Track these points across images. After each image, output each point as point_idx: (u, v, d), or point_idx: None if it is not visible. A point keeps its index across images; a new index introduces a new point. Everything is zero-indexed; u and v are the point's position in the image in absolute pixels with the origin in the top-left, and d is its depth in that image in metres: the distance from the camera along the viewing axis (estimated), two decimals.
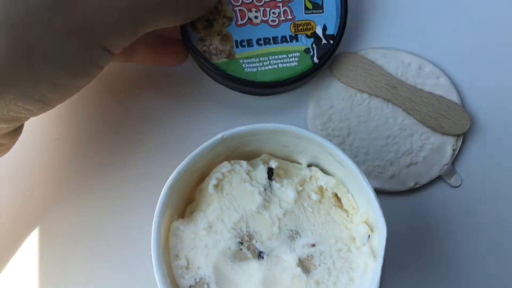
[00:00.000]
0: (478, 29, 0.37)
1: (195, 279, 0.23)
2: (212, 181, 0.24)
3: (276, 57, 0.33)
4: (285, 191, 0.24)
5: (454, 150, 0.34)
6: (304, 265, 0.24)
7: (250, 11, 0.33)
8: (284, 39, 0.33)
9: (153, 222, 0.22)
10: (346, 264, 0.23)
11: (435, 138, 0.34)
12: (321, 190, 0.25)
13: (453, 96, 0.35)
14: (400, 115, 0.35)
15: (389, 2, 0.37)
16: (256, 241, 0.24)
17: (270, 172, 0.25)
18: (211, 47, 0.32)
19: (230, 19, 0.33)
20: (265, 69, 0.32)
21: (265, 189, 0.24)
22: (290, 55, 0.33)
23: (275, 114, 0.34)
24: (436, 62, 0.36)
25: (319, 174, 0.25)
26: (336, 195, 0.25)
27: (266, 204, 0.24)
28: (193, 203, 0.25)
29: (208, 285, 0.23)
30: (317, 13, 0.33)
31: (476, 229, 0.34)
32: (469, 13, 0.37)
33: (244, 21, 0.33)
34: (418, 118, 0.34)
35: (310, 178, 0.25)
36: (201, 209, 0.24)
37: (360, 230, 0.24)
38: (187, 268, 0.23)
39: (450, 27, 0.37)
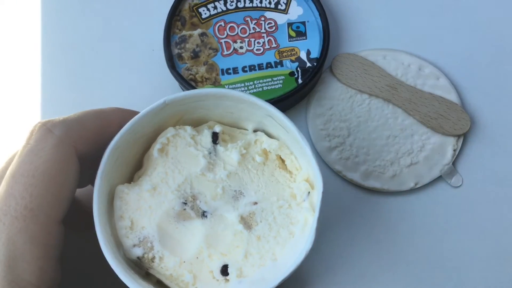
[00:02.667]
0: (478, 29, 0.37)
1: (139, 239, 0.24)
2: (157, 146, 0.25)
3: (261, 81, 0.34)
4: (229, 154, 0.25)
5: (454, 150, 0.34)
6: (246, 222, 0.24)
7: (235, 42, 0.35)
8: (269, 65, 0.35)
9: (95, 184, 0.23)
10: (286, 219, 0.24)
11: (436, 139, 0.34)
12: (265, 152, 0.26)
13: (453, 97, 0.35)
14: (400, 116, 0.35)
15: (389, 3, 0.38)
16: (200, 202, 0.24)
17: (215, 137, 0.26)
18: (197, 75, 0.35)
19: (216, 50, 0.35)
20: (249, 93, 0.34)
21: (209, 153, 0.25)
22: (275, 79, 0.35)
23: None
24: (436, 63, 0.36)
25: (264, 138, 0.26)
26: (280, 157, 0.26)
27: (210, 166, 0.25)
28: (141, 169, 0.26)
29: (151, 243, 0.23)
30: (301, 39, 0.35)
31: (477, 229, 0.33)
32: (469, 13, 0.37)
33: (230, 51, 0.35)
34: (418, 119, 0.34)
35: (255, 142, 0.26)
36: (147, 173, 0.25)
37: (300, 187, 0.25)
38: (131, 228, 0.24)
39: (450, 28, 0.37)
